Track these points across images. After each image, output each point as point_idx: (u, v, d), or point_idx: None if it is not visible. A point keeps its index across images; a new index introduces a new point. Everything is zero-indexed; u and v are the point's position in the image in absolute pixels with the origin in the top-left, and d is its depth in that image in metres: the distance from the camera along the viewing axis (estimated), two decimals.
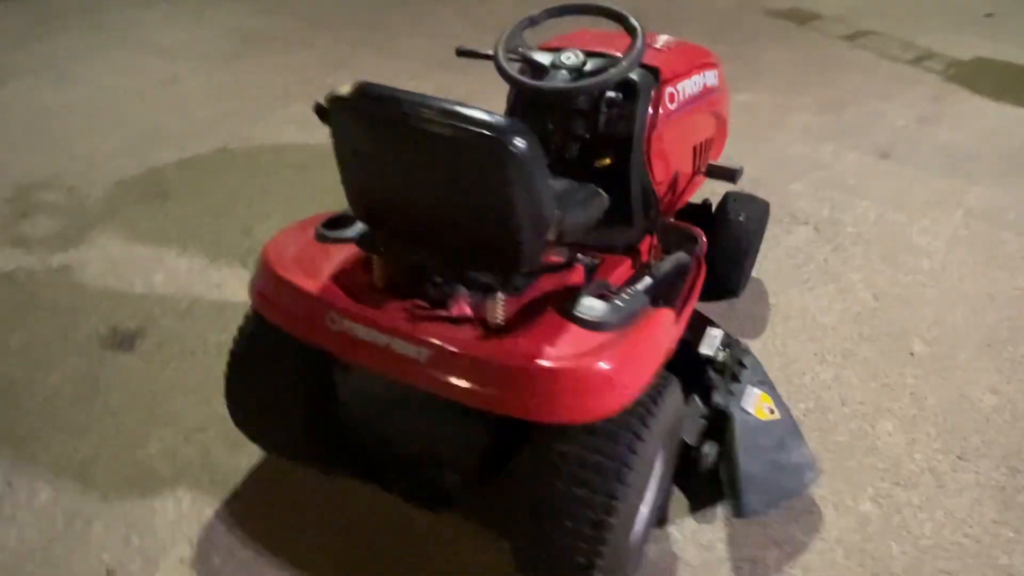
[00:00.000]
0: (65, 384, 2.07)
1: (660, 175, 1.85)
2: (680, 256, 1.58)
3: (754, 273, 2.54)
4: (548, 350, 1.23)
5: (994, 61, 4.93)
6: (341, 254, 1.50)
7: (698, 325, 1.87)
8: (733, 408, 1.74)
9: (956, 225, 3.04)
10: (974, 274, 2.71)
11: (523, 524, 1.34)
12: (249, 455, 1.85)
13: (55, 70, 4.24)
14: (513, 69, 1.70)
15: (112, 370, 2.11)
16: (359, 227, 1.56)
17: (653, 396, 1.34)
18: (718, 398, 1.75)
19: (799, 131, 3.82)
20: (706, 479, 1.71)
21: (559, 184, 1.51)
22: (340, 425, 1.58)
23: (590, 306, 1.34)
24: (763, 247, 2.57)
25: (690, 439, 1.69)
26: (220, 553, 1.63)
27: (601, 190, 1.61)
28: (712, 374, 1.80)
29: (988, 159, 3.64)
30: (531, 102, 1.83)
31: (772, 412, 1.81)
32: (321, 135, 3.71)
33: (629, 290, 1.42)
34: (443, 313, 1.35)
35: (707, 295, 2.19)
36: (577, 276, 1.55)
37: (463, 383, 1.25)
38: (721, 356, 1.84)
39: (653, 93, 1.78)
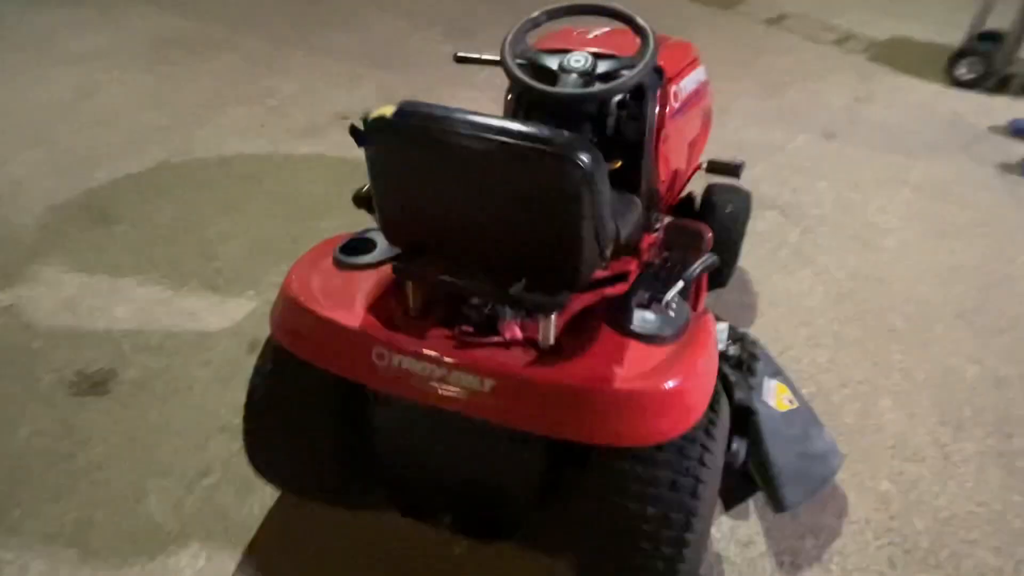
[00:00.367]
0: (36, 440, 1.87)
1: (664, 174, 1.84)
2: (709, 257, 1.57)
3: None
4: (619, 371, 1.18)
5: (909, 40, 5.20)
6: (367, 282, 1.40)
7: None
8: (755, 402, 1.75)
9: (906, 201, 3.18)
10: (933, 248, 2.85)
11: (595, 548, 1.30)
12: (261, 498, 1.73)
13: None
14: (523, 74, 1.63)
15: (88, 419, 1.93)
16: (380, 252, 1.47)
17: (712, 404, 1.32)
18: (740, 394, 1.76)
19: (747, 116, 3.91)
20: (738, 477, 1.72)
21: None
22: (376, 460, 1.49)
23: (644, 319, 1.31)
24: None
25: None
26: None
27: (636, 197, 1.58)
28: (728, 370, 1.80)
29: (923, 135, 3.84)
30: (534, 107, 1.78)
31: (791, 402, 1.84)
32: (267, 143, 3.55)
33: (672, 298, 1.39)
34: (495, 339, 1.28)
35: None
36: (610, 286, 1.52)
37: (533, 412, 1.19)
38: (732, 350, 1.84)
39: (659, 92, 1.76)
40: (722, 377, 1.79)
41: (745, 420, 1.73)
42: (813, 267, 2.68)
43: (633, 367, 1.20)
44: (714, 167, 2.01)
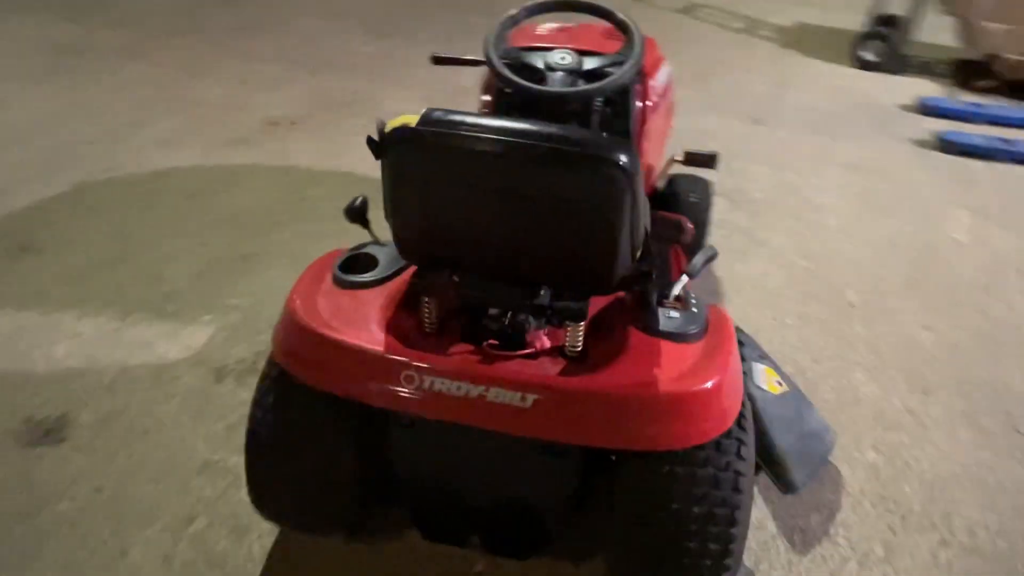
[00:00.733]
0: None
1: (644, 168, 1.85)
2: (709, 249, 1.58)
3: None
4: (661, 375, 1.17)
5: (813, 26, 5.46)
6: (375, 301, 1.33)
7: None
8: (751, 388, 1.78)
9: (838, 180, 3.34)
10: (870, 223, 3.00)
11: (637, 553, 1.29)
12: (260, 537, 1.61)
13: None
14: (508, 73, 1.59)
15: (47, 471, 1.75)
16: (383, 267, 1.39)
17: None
18: None
19: (679, 104, 3.99)
20: None
21: None
22: (396, 486, 1.42)
23: (670, 317, 1.30)
24: None
25: None
26: None
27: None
28: None
29: (840, 116, 4.04)
30: (516, 107, 1.74)
31: (781, 384, 1.88)
32: (198, 154, 3.35)
33: (684, 294, 1.39)
34: (527, 351, 1.24)
35: None
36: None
37: (579, 424, 1.16)
38: None
39: (639, 88, 1.76)
40: None
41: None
42: (767, 250, 2.77)
43: (672, 369, 1.19)
44: (692, 159, 2.03)
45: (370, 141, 1.16)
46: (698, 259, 1.60)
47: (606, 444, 1.17)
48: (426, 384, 1.18)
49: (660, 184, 2.34)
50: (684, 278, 1.56)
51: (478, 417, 1.18)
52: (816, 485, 1.82)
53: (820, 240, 2.85)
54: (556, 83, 1.59)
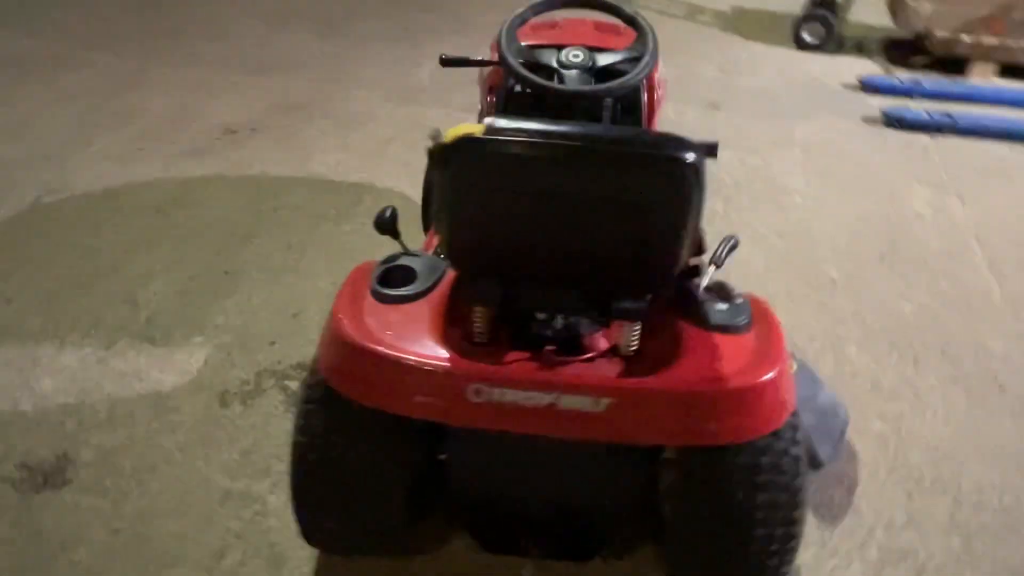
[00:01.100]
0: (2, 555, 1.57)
1: None
2: (732, 238, 1.60)
3: None
4: (728, 368, 1.18)
5: (751, 10, 5.61)
6: (420, 314, 1.29)
7: None
8: None
9: (800, 161, 3.45)
10: (836, 200, 3.11)
11: (706, 547, 1.30)
12: (299, 566, 1.56)
13: None
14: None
15: (55, 518, 1.64)
16: (423, 279, 1.35)
17: None
18: None
19: None
20: None
21: None
22: (452, 500, 1.39)
23: (719, 310, 1.31)
24: None
25: None
26: None
27: None
28: None
29: (790, 97, 4.17)
30: (526, 106, 1.72)
31: (792, 364, 1.94)
32: (156, 168, 3.19)
33: (727, 285, 1.41)
34: (590, 354, 1.24)
35: None
36: None
37: (655, 425, 1.16)
38: None
39: (645, 82, 1.76)
40: None
41: None
42: (746, 233, 2.83)
43: (734, 361, 1.21)
44: None
45: (433, 153, 1.12)
46: (722, 248, 1.63)
47: (681, 442, 1.18)
48: (495, 396, 1.16)
49: None
50: (712, 268, 1.58)
51: (550, 426, 1.17)
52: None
53: (794, 220, 2.94)
54: (573, 81, 1.59)
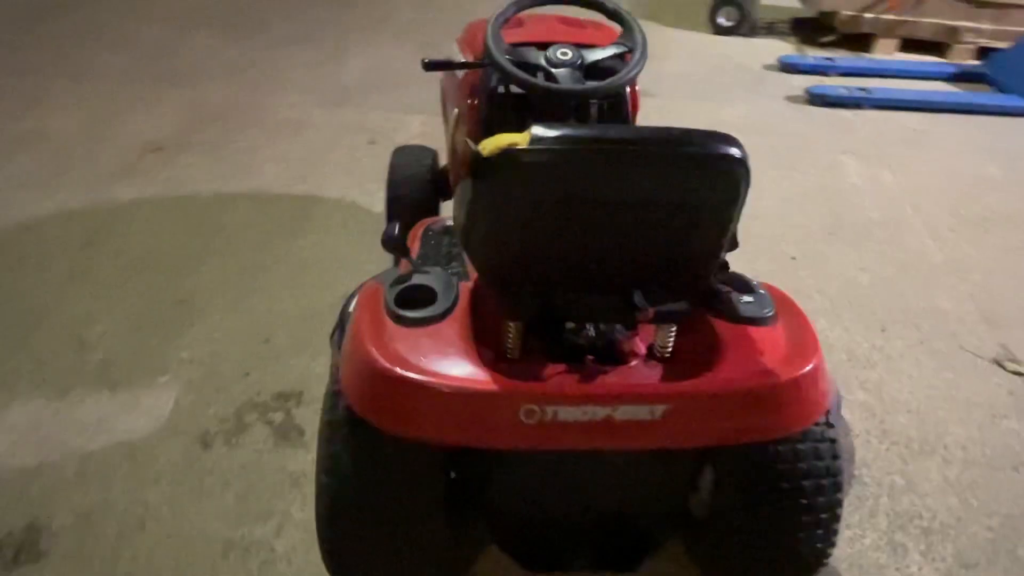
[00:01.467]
0: None
1: None
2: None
3: None
4: (773, 361, 1.17)
5: None
6: (451, 335, 1.22)
7: None
8: None
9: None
10: (780, 179, 3.21)
11: (752, 540, 1.30)
12: None
13: None
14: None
15: None
16: (444, 297, 1.28)
17: None
18: None
19: None
20: None
21: None
22: (493, 523, 1.33)
23: (745, 302, 1.31)
24: None
25: None
26: None
27: None
28: None
29: (716, 81, 4.28)
30: (511, 107, 1.67)
31: None
32: (79, 194, 2.95)
33: (738, 276, 1.41)
34: (628, 362, 1.20)
35: None
36: None
37: (711, 427, 1.14)
38: None
39: None
40: None
41: None
42: None
43: (775, 353, 1.20)
44: None
45: (474, 167, 1.05)
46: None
47: (737, 441, 1.17)
48: (548, 415, 1.11)
49: None
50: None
51: (607, 439, 1.13)
52: None
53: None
54: (566, 79, 1.55)
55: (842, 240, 2.79)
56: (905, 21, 4.65)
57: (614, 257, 1.14)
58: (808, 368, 1.17)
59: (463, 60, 1.80)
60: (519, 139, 1.01)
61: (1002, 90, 4.20)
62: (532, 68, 1.56)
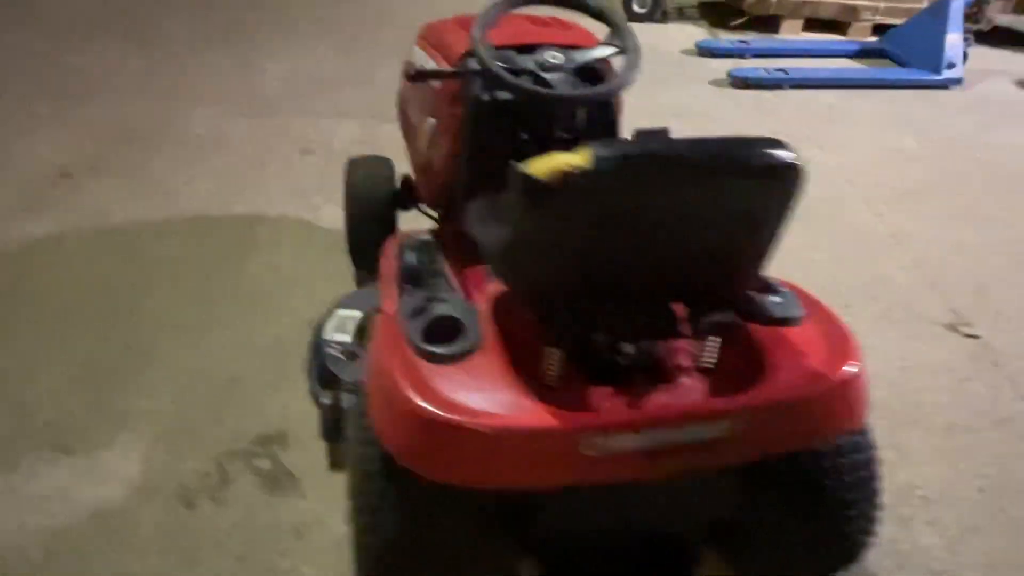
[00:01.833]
0: None
1: None
2: None
3: None
4: (821, 363, 1.16)
5: None
6: (489, 369, 1.14)
7: None
8: None
9: (677, 129, 3.56)
10: None
11: (800, 540, 1.30)
12: None
13: None
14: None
15: None
16: (473, 329, 1.20)
17: None
18: None
19: None
20: None
21: None
22: (540, 557, 1.27)
23: (775, 303, 1.30)
24: None
25: None
26: None
27: None
28: None
29: (644, 69, 4.30)
30: (497, 114, 1.59)
31: None
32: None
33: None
34: (675, 378, 1.17)
35: None
36: None
37: (772, 437, 1.12)
38: None
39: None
40: None
41: None
42: None
43: (819, 353, 1.20)
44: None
45: (533, 191, 0.97)
46: None
47: (796, 448, 1.16)
48: (609, 446, 1.06)
49: None
50: None
51: (671, 463, 1.09)
52: None
53: None
54: (563, 85, 1.49)
55: (791, 221, 2.86)
56: (808, 2, 4.85)
57: (667, 271, 1.10)
58: (857, 366, 1.17)
59: (435, 66, 1.70)
60: (578, 160, 0.94)
61: (901, 64, 4.46)
62: (522, 74, 1.49)
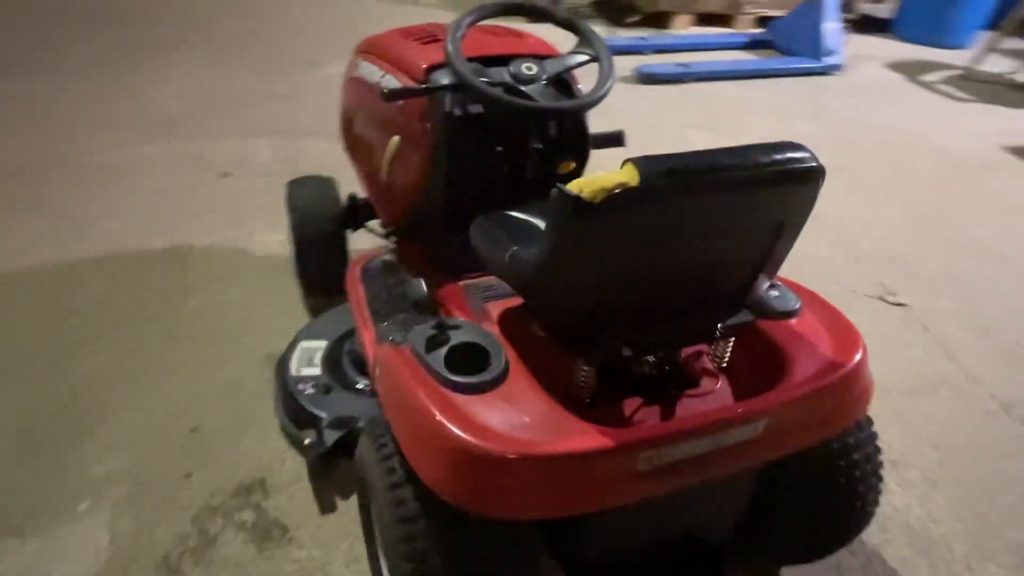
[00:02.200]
0: None
1: None
2: None
3: None
4: (831, 352, 1.21)
5: None
6: (523, 395, 1.11)
7: None
8: None
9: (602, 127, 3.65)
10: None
11: (817, 521, 1.35)
12: None
13: None
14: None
15: None
16: (497, 354, 1.16)
17: None
18: None
19: None
20: None
21: None
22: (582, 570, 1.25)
23: (773, 297, 1.34)
24: None
25: None
26: None
27: None
28: None
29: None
30: (468, 130, 1.55)
31: None
32: None
33: None
34: (705, 381, 1.18)
35: None
36: None
37: (803, 429, 1.15)
38: None
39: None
40: None
41: None
42: None
43: (826, 342, 1.24)
44: (598, 141, 2.03)
45: (580, 213, 0.94)
46: None
47: (825, 437, 1.20)
48: (664, 458, 1.05)
49: None
50: None
51: (715, 467, 1.10)
52: None
53: None
54: (544, 96, 1.48)
55: None
56: None
57: (703, 280, 1.11)
58: (862, 353, 1.23)
59: (394, 81, 1.63)
60: (626, 178, 0.93)
61: (787, 54, 4.75)
62: (497, 86, 1.47)
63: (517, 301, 1.32)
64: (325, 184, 2.14)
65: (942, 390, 2.16)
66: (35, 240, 2.49)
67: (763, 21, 5.19)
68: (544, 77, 1.52)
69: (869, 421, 1.36)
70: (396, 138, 1.67)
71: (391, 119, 1.67)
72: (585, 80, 1.66)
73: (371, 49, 1.83)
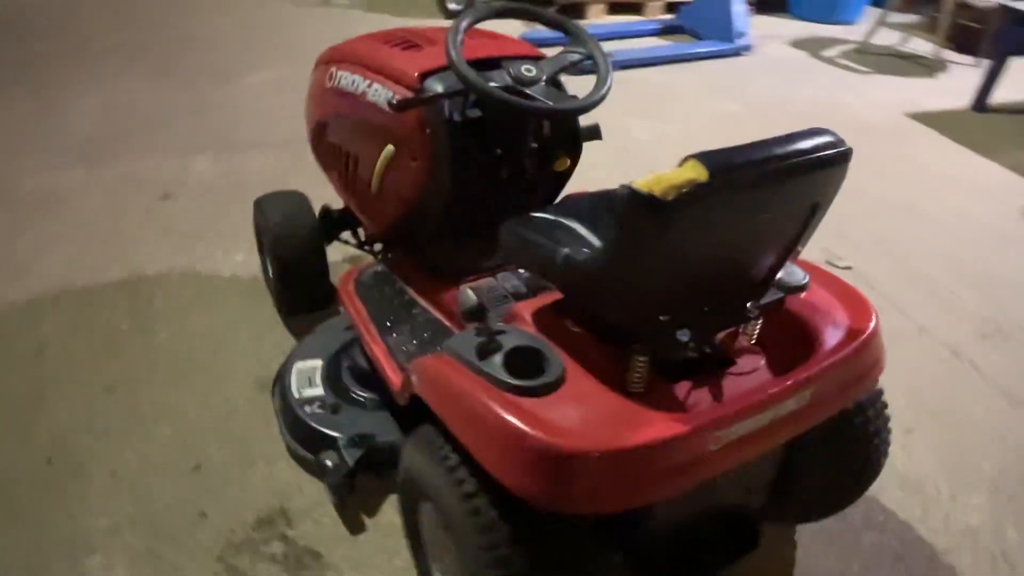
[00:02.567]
0: None
1: None
2: None
3: None
4: (846, 316, 1.29)
5: None
6: (586, 392, 1.13)
7: None
8: None
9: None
10: (585, 150, 3.42)
11: (837, 479, 1.45)
12: None
13: None
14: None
15: None
16: (550, 355, 1.18)
17: None
18: None
19: None
20: None
21: None
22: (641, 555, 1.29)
23: (789, 273, 1.41)
24: None
25: None
26: None
27: None
28: None
29: None
30: (470, 132, 1.56)
31: None
32: None
33: None
34: (759, 359, 1.24)
35: None
36: None
37: (841, 392, 1.23)
38: None
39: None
40: None
41: None
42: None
43: (844, 310, 1.33)
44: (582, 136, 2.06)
45: (651, 210, 0.97)
46: None
47: (856, 399, 1.29)
48: (729, 436, 1.11)
49: None
50: None
51: (773, 438, 1.17)
52: None
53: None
54: (547, 97, 1.51)
55: None
56: None
57: (751, 265, 1.17)
58: (876, 317, 1.33)
59: (383, 90, 1.61)
60: (691, 174, 0.97)
61: (699, 38, 4.95)
62: (503, 90, 1.48)
63: (540, 301, 1.34)
64: (295, 200, 2.07)
65: (898, 342, 2.33)
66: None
67: (672, 7, 5.37)
68: (543, 78, 1.54)
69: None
70: (390, 147, 1.65)
71: (385, 129, 1.64)
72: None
73: (347, 58, 1.80)
